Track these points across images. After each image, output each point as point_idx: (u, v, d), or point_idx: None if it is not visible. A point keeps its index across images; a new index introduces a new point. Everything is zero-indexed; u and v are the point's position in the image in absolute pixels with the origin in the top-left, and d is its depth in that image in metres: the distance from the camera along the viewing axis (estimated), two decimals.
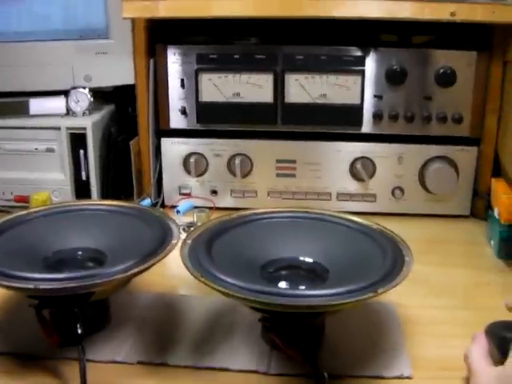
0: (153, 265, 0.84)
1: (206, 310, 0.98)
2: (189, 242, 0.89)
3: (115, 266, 0.83)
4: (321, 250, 0.92)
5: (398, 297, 0.94)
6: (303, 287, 0.89)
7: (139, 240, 0.91)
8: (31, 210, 1.02)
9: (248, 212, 0.99)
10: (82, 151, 1.34)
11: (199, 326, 0.94)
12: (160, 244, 0.88)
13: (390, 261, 0.84)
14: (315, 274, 0.91)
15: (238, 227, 0.95)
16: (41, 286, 0.79)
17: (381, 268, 0.83)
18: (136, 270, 0.82)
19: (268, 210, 0.99)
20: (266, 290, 0.77)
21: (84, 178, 1.35)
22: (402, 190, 1.34)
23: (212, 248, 0.88)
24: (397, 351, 0.87)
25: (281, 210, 1.00)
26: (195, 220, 1.26)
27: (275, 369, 0.84)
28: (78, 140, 1.34)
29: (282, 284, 0.89)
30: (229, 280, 0.78)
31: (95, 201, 1.09)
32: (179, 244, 0.88)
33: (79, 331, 0.82)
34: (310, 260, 0.92)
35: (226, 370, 0.84)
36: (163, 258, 0.85)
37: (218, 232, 0.92)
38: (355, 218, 0.97)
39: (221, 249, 0.88)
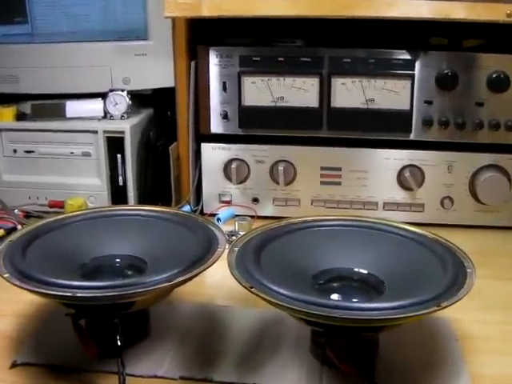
0: (199, 273, 0.79)
1: (251, 321, 0.93)
2: (236, 249, 0.84)
3: (158, 275, 0.78)
4: (375, 261, 0.87)
5: (451, 310, 0.89)
6: (356, 300, 0.84)
7: (182, 247, 0.86)
8: (67, 215, 0.98)
9: (297, 219, 0.94)
10: (119, 156, 1.31)
11: (244, 339, 0.89)
12: (205, 252, 0.83)
13: (451, 272, 0.79)
14: (369, 286, 0.85)
15: (287, 235, 0.90)
16: (79, 294, 0.75)
17: (442, 280, 0.78)
18: (181, 278, 0.77)
19: (318, 217, 0.94)
20: (322, 302, 0.71)
21: (121, 183, 1.32)
22: (451, 199, 1.29)
23: (261, 257, 0.83)
24: (456, 368, 0.82)
25: (331, 217, 0.95)
26: (236, 229, 1.22)
27: None
28: (115, 144, 1.31)
29: (335, 296, 0.84)
30: (281, 291, 0.73)
31: (134, 206, 1.04)
32: (225, 252, 0.83)
33: (119, 343, 0.77)
34: (365, 271, 0.86)
35: None
36: (210, 266, 0.80)
37: (267, 240, 0.87)
38: (410, 227, 0.91)
39: (270, 258, 0.83)
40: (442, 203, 1.29)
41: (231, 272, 0.78)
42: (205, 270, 0.79)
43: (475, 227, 1.29)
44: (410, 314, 0.70)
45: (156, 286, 0.75)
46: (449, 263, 0.81)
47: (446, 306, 0.72)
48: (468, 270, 0.80)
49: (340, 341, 0.75)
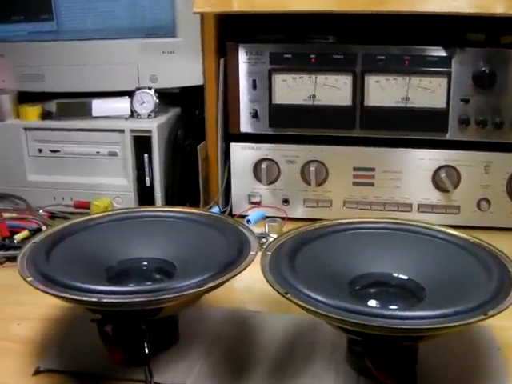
0: (230, 278, 0.75)
1: (283, 328, 0.89)
2: (269, 253, 0.80)
3: (188, 280, 0.74)
4: (414, 265, 0.83)
5: (492, 318, 0.85)
6: (395, 307, 0.80)
7: (212, 250, 0.83)
8: (93, 216, 0.95)
9: (332, 222, 0.90)
10: (146, 155, 1.29)
11: (276, 346, 0.85)
12: (237, 255, 0.80)
13: (496, 278, 0.75)
14: (408, 293, 0.81)
15: (321, 238, 0.86)
16: (105, 300, 0.71)
17: (486, 287, 0.73)
18: (212, 284, 0.73)
19: (354, 219, 0.90)
20: (363, 310, 0.68)
21: (148, 183, 1.30)
22: (488, 201, 1.24)
23: (295, 261, 0.79)
24: (501, 378, 0.78)
25: (368, 220, 0.91)
26: (267, 231, 1.19)
27: None
28: (142, 144, 1.28)
29: (372, 302, 0.80)
30: (318, 297, 0.69)
31: (162, 207, 1.02)
32: (258, 256, 0.80)
33: (146, 351, 0.74)
34: (405, 277, 0.82)
35: None
36: (243, 270, 0.76)
37: (301, 243, 0.83)
38: (450, 230, 0.87)
39: (304, 262, 0.80)
40: (478, 205, 1.25)
41: (265, 277, 0.75)
42: (237, 274, 0.76)
43: None
44: (455, 324, 0.66)
45: (186, 292, 0.72)
46: (493, 269, 0.77)
47: (493, 315, 0.68)
48: None
49: (379, 350, 0.71)
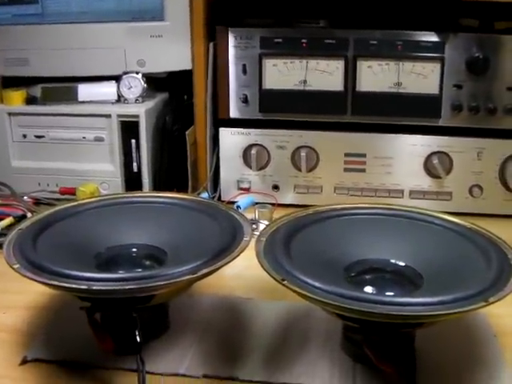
0: (224, 265, 0.73)
1: (276, 315, 0.88)
2: (263, 239, 0.78)
3: (180, 266, 0.72)
4: (411, 252, 0.82)
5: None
6: (392, 294, 0.78)
7: (204, 236, 0.81)
8: (81, 202, 0.92)
9: (326, 207, 0.88)
10: (133, 141, 1.26)
11: (269, 334, 0.83)
12: (230, 241, 0.78)
13: (496, 265, 0.73)
14: (405, 279, 0.80)
15: (316, 224, 0.84)
16: (95, 287, 0.69)
17: (486, 273, 0.72)
18: (206, 270, 0.71)
19: (348, 205, 0.89)
20: (362, 296, 0.66)
21: (135, 169, 1.28)
22: (480, 188, 1.23)
23: (290, 247, 0.77)
24: (498, 365, 0.77)
25: (362, 205, 0.89)
26: (257, 217, 1.17)
27: None
28: (129, 129, 1.26)
29: (368, 289, 0.79)
30: (316, 284, 0.68)
31: (152, 193, 0.99)
32: (252, 242, 0.78)
33: (138, 339, 0.71)
34: (402, 263, 0.81)
35: None
36: (237, 257, 0.74)
37: (295, 229, 0.82)
38: (447, 217, 0.86)
39: (299, 248, 0.78)
40: (470, 191, 1.24)
41: (260, 263, 0.73)
42: (231, 260, 0.74)
43: (505, 216, 1.24)
44: (456, 310, 0.65)
45: (179, 279, 0.70)
46: (492, 255, 0.76)
47: (494, 302, 0.66)
48: None
49: (377, 337, 0.69)
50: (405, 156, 1.23)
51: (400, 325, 0.70)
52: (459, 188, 1.24)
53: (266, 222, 1.13)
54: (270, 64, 1.21)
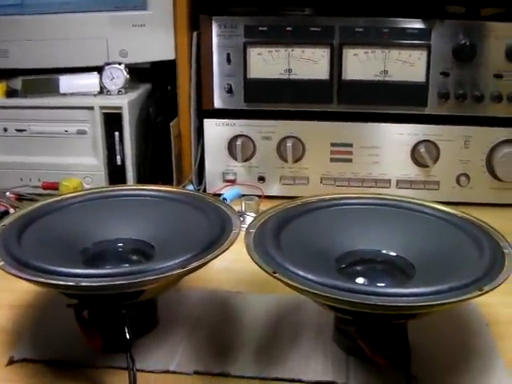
0: (214, 258, 0.72)
1: (266, 308, 0.86)
2: (252, 231, 0.77)
3: (169, 260, 0.71)
4: (402, 242, 0.81)
5: None
6: (384, 284, 0.77)
7: (192, 229, 0.80)
8: (65, 197, 0.91)
9: (314, 198, 0.87)
10: (116, 133, 1.24)
11: (260, 328, 0.82)
12: (219, 234, 0.77)
13: (489, 254, 0.73)
14: (397, 270, 0.79)
15: (305, 215, 0.83)
16: (83, 284, 0.67)
17: (479, 262, 0.71)
18: (196, 263, 0.70)
19: (337, 195, 0.88)
20: (357, 288, 0.65)
21: (119, 162, 1.26)
22: (467, 176, 1.23)
23: (280, 239, 0.76)
24: (490, 356, 0.77)
25: (351, 195, 0.88)
26: (243, 209, 1.15)
27: (355, 379, 0.73)
28: (112, 121, 1.24)
29: (360, 280, 0.78)
30: (308, 276, 0.66)
31: (138, 186, 0.98)
32: (241, 234, 0.77)
33: (127, 336, 0.70)
34: (393, 253, 0.80)
35: (299, 381, 0.72)
36: (226, 249, 0.73)
37: (284, 221, 0.80)
38: (438, 206, 0.85)
39: (289, 240, 0.77)
40: (457, 180, 1.23)
41: (250, 255, 0.71)
42: (221, 253, 0.72)
43: (492, 205, 1.23)
44: (452, 300, 0.64)
45: (169, 273, 0.68)
46: (485, 244, 0.75)
47: (488, 291, 0.66)
48: (505, 251, 0.74)
49: (370, 329, 0.68)
50: (392, 145, 1.22)
51: (394, 316, 0.69)
52: (446, 177, 1.23)
53: (253, 214, 1.12)
54: (254, 53, 1.20)
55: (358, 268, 0.80)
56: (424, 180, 1.24)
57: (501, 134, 1.20)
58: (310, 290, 0.65)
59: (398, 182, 1.24)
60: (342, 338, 0.77)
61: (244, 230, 0.78)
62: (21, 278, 0.68)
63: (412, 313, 0.68)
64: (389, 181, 1.24)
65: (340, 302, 0.64)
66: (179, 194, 0.89)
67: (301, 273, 0.67)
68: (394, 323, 0.71)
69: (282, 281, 0.67)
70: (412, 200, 0.86)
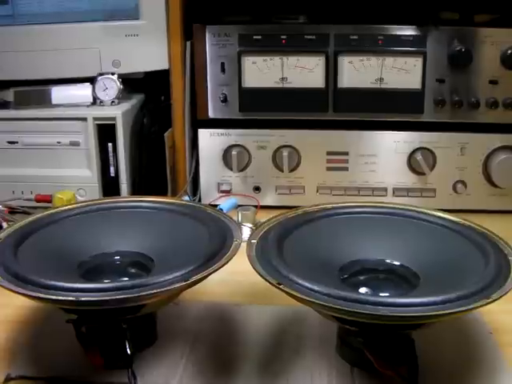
0: (217, 270, 0.70)
1: (267, 320, 0.85)
2: (253, 242, 0.76)
3: (170, 273, 0.69)
4: (405, 251, 0.80)
5: None
6: (388, 294, 0.77)
7: (193, 241, 0.78)
8: (60, 209, 0.89)
9: (315, 207, 0.86)
10: (110, 144, 1.23)
11: (262, 341, 0.81)
12: (220, 245, 0.75)
13: (494, 262, 0.72)
14: (401, 279, 0.78)
15: (306, 225, 0.82)
16: (83, 298, 0.66)
17: (484, 271, 0.71)
18: (198, 276, 0.68)
19: (339, 204, 0.87)
20: (364, 299, 0.64)
21: (113, 174, 1.25)
22: (464, 183, 1.22)
23: (283, 249, 0.75)
24: (494, 364, 0.76)
25: (353, 204, 0.87)
26: (240, 219, 1.14)
27: None
28: (106, 132, 1.23)
29: (363, 290, 0.77)
30: (314, 287, 0.65)
31: (134, 197, 0.96)
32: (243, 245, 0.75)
33: (128, 351, 0.69)
34: (397, 263, 0.79)
35: None
36: (229, 261, 0.72)
37: (286, 231, 0.79)
38: (441, 214, 0.84)
39: (292, 250, 0.76)
40: (454, 188, 1.23)
41: (254, 267, 0.70)
42: (224, 265, 0.71)
43: (490, 212, 1.23)
44: (461, 309, 0.63)
45: (171, 286, 0.67)
46: (490, 252, 0.74)
47: (497, 299, 0.65)
48: (510, 258, 0.73)
49: (377, 340, 0.67)
50: (388, 153, 1.22)
51: (401, 326, 0.68)
52: (443, 184, 1.23)
53: (249, 225, 1.11)
54: (249, 62, 1.19)
55: (362, 277, 0.79)
56: (421, 188, 1.23)
57: (497, 140, 1.20)
58: (317, 301, 0.64)
59: (394, 190, 1.24)
60: (346, 350, 0.76)
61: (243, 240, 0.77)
62: (19, 293, 0.67)
63: (420, 322, 0.67)
64: (385, 189, 1.24)
65: (348, 313, 0.63)
66: (177, 205, 0.88)
67: (307, 284, 0.66)
68: (400, 333, 0.70)
69: (287, 292, 0.66)
70: (414, 208, 0.85)
